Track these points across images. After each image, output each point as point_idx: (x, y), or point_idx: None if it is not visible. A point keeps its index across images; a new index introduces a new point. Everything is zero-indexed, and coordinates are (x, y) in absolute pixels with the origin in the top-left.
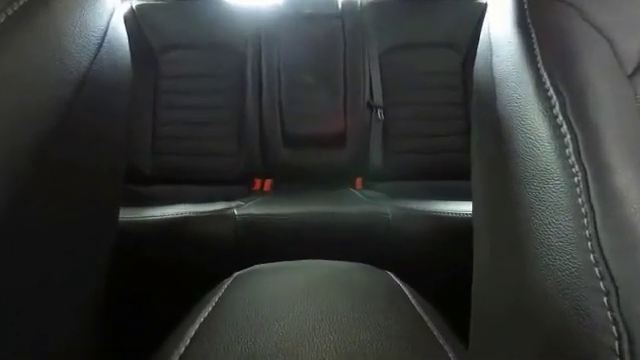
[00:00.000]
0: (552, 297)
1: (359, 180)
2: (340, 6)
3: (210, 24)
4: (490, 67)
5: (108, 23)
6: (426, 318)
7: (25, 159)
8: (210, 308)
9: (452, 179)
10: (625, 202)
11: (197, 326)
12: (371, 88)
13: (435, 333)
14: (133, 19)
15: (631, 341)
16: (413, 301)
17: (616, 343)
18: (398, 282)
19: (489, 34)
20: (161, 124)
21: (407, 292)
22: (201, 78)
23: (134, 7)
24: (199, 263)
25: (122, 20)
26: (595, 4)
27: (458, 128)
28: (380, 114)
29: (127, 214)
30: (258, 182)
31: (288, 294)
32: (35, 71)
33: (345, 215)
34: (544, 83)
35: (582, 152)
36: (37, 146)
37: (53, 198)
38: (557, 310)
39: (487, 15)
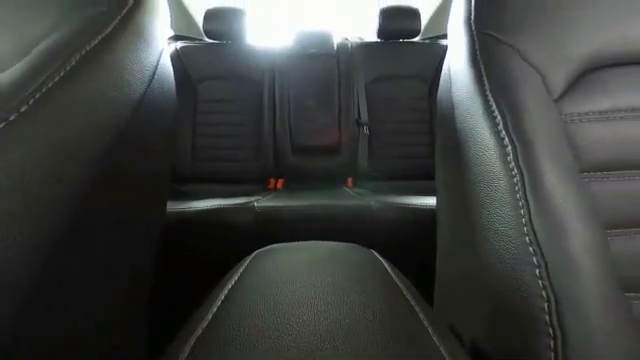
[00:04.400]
0: (497, 270)
1: (350, 180)
2: (335, 47)
3: (236, 60)
4: (450, 94)
5: (158, 60)
6: (401, 286)
7: (94, 167)
8: (237, 277)
9: (421, 179)
10: (552, 197)
11: (226, 292)
12: (359, 110)
13: (408, 297)
14: (177, 57)
15: (557, 302)
16: (391, 273)
17: (546, 304)
18: (380, 258)
19: (449, 68)
20: (198, 137)
21: (387, 266)
22: (228, 102)
23: (178, 48)
24: (227, 246)
25: (169, 58)
26: (531, 45)
27: (425, 140)
28: (366, 129)
29: (172, 206)
30: (272, 182)
31: (297, 267)
32: (103, 97)
33: (340, 207)
34: (491, 106)
35: (520, 159)
36: (102, 155)
37: (115, 195)
38: (501, 279)
39: (447, 54)
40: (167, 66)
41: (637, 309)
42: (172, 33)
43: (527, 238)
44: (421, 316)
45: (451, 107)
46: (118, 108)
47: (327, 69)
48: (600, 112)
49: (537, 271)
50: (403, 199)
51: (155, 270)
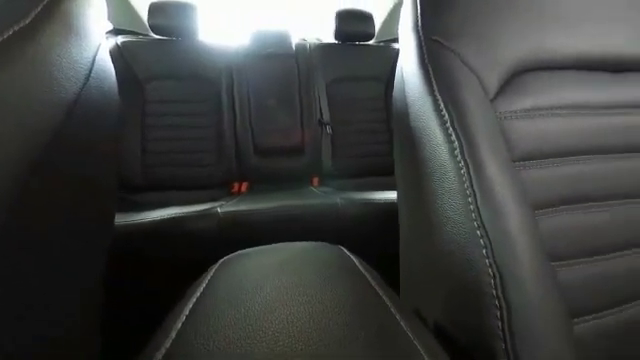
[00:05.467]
0: (452, 254)
1: (316, 179)
2: (294, 47)
3: (188, 58)
4: (403, 94)
5: (95, 56)
6: (369, 278)
7: (25, 169)
8: (202, 288)
9: (382, 175)
10: (493, 185)
11: (191, 305)
12: (321, 110)
13: (376, 288)
14: (119, 53)
15: (501, 277)
16: (359, 267)
17: (492, 280)
18: (348, 254)
19: (402, 70)
20: (148, 141)
21: (355, 261)
22: (183, 103)
23: (119, 43)
24: (189, 256)
25: (108, 54)
26: (469, 51)
27: (384, 138)
28: (329, 129)
29: (122, 219)
30: (236, 185)
31: (266, 271)
32: (29, 96)
33: (306, 206)
34: (439, 106)
35: (465, 153)
36: (35, 158)
37: (51, 203)
38: (456, 262)
39: (399, 57)
40: (106, 63)
41: (560, 275)
42: (111, 26)
43: (475, 223)
44: (389, 304)
45: (405, 107)
46: (49, 108)
47: (286, 69)
48: (524, 110)
49: (484, 251)
50: (367, 195)
51: (107, 284)
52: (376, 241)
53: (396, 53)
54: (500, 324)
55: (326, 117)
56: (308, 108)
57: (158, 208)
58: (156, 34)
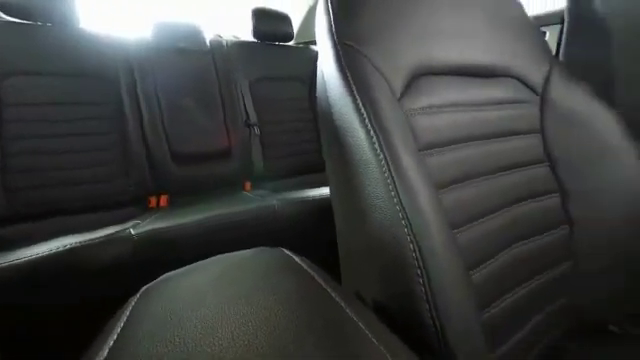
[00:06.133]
0: (381, 236)
1: (248, 184)
2: (209, 44)
3: (67, 51)
4: (326, 94)
5: None
6: (313, 274)
7: None
8: (121, 323)
9: (314, 173)
10: (407, 171)
11: (111, 343)
12: (247, 111)
13: (320, 282)
14: None
15: (420, 249)
16: (302, 265)
17: (413, 253)
18: (290, 254)
19: (322, 72)
20: (12, 157)
21: (297, 260)
22: (64, 106)
23: None
24: (99, 293)
25: None
26: (377, 57)
27: (312, 137)
28: (256, 130)
29: (7, 258)
30: (153, 200)
31: (200, 289)
32: None
33: (240, 213)
34: (358, 104)
35: (383, 146)
36: None
37: None
38: (384, 243)
39: (319, 59)
40: None
41: (459, 239)
42: None
43: (397, 206)
44: (333, 295)
45: (329, 106)
46: None
47: (202, 66)
48: (422, 108)
49: (406, 229)
50: (302, 193)
51: None
52: (316, 237)
53: (316, 55)
54: (423, 288)
55: (253, 118)
56: (232, 109)
57: (41, 241)
58: (7, 15)
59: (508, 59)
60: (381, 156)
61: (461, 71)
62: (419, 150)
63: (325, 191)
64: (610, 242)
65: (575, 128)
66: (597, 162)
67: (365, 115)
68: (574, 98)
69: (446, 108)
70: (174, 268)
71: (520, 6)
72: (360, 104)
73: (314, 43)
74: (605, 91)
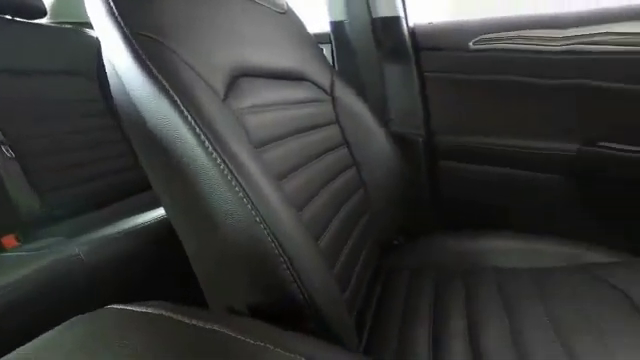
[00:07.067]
0: (239, 238)
1: (10, 238)
2: None
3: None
4: (127, 95)
5: None
6: (162, 312)
7: None
8: None
9: (129, 196)
10: (250, 170)
11: None
12: None
13: (179, 319)
14: None
15: (276, 237)
16: (144, 311)
17: (273, 243)
18: (122, 308)
19: (113, 66)
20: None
21: (134, 309)
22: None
23: None
24: None
25: None
26: (187, 52)
27: (119, 150)
28: (8, 151)
29: None
30: None
31: None
32: None
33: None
34: (180, 106)
35: (217, 148)
36: None
37: None
38: (245, 243)
39: (103, 49)
40: None
41: (303, 217)
42: None
43: (248, 206)
44: (194, 322)
45: (134, 108)
46: None
47: None
48: (249, 107)
49: (262, 225)
50: (124, 224)
51: None
52: (158, 271)
53: (97, 42)
54: (289, 271)
55: None
56: None
57: None
58: None
59: (302, 65)
60: (219, 160)
61: (271, 74)
62: (255, 147)
63: (159, 212)
64: (379, 185)
65: (354, 119)
66: (367, 141)
67: (190, 118)
68: (350, 97)
69: (267, 107)
70: None
71: (302, 23)
72: (182, 106)
73: (88, 26)
74: (362, 92)
